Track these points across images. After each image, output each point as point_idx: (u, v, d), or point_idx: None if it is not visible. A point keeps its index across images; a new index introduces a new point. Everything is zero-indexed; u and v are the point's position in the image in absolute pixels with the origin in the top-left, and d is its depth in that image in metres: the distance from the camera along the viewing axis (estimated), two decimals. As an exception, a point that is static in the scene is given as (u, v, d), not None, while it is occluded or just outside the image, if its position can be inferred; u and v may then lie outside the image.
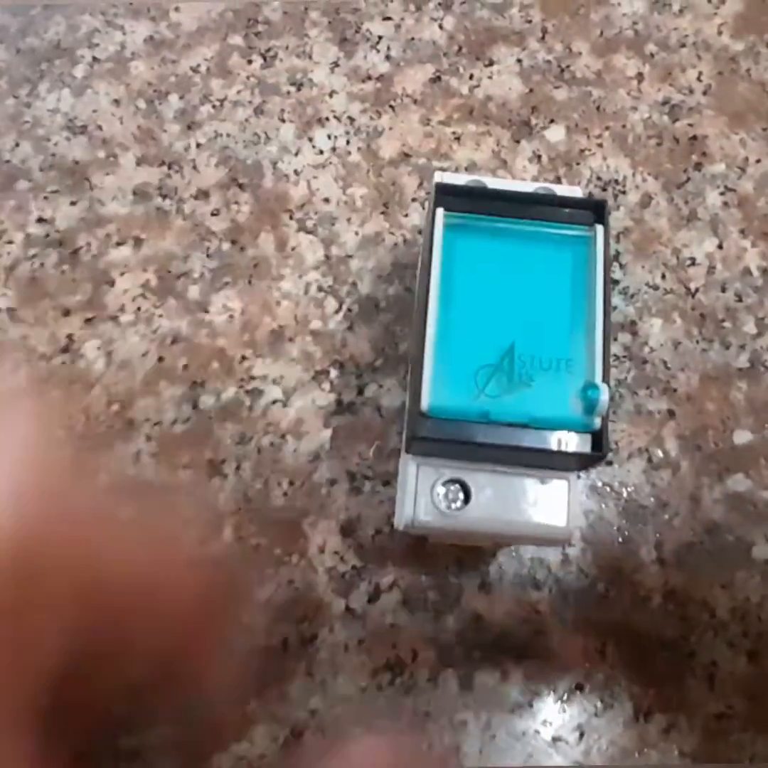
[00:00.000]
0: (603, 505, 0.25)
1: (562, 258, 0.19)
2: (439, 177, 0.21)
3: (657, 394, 0.26)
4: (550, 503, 0.19)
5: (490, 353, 0.18)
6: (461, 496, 0.19)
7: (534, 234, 0.19)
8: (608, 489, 0.25)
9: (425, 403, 0.17)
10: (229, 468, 0.25)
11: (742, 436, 0.26)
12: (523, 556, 0.25)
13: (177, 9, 0.30)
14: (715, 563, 0.25)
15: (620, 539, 0.25)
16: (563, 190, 0.21)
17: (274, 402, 0.26)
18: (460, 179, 0.21)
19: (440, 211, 0.19)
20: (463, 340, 0.18)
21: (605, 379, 0.17)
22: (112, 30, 0.30)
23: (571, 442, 0.18)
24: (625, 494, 0.25)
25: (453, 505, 0.19)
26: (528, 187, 0.21)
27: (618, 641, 0.24)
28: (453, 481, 0.19)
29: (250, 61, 0.30)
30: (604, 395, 0.17)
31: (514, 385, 0.18)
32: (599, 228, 0.19)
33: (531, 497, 0.19)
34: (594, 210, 0.19)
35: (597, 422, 0.17)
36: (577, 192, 0.21)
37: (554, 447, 0.17)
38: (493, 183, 0.21)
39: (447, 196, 0.19)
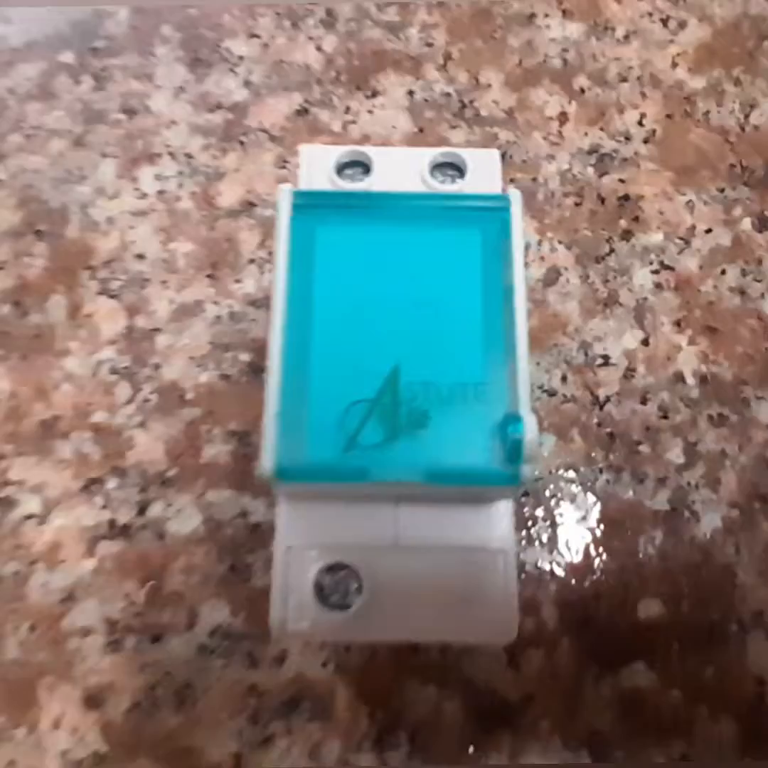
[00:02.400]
0: (442, 695, 0.18)
1: (464, 241, 0.13)
2: (305, 151, 0.16)
3: (538, 547, 0.20)
4: (490, 581, 0.13)
5: (365, 384, 0.12)
6: (354, 586, 0.13)
7: (422, 211, 0.13)
8: (456, 672, 0.19)
9: (268, 463, 0.12)
10: (-50, 605, 0.19)
11: (649, 609, 0.19)
12: (326, 759, 0.18)
13: (8, 20, 0.25)
14: (593, 794, 0.18)
15: (465, 744, 0.18)
16: (475, 155, 0.15)
17: (29, 517, 0.20)
18: (331, 155, 0.15)
19: (286, 186, 0.13)
20: (326, 367, 0.12)
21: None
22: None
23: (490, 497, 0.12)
24: (476, 682, 0.18)
25: (339, 600, 0.13)
26: (425, 155, 0.15)
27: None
28: (340, 566, 0.13)
29: (78, 82, 0.24)
30: (531, 432, 0.12)
31: (401, 427, 0.12)
32: (514, 193, 0.13)
33: (460, 580, 0.13)
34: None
35: (525, 472, 0.12)
36: (494, 157, 0.15)
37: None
38: (379, 154, 0.16)
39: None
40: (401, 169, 0.15)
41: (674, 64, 0.25)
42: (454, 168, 0.15)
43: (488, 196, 0.14)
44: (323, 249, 0.13)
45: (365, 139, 0.24)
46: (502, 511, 0.14)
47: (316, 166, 0.16)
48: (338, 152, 0.16)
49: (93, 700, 0.18)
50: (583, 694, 0.18)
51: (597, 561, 0.19)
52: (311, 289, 0.13)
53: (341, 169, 0.16)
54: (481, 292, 0.13)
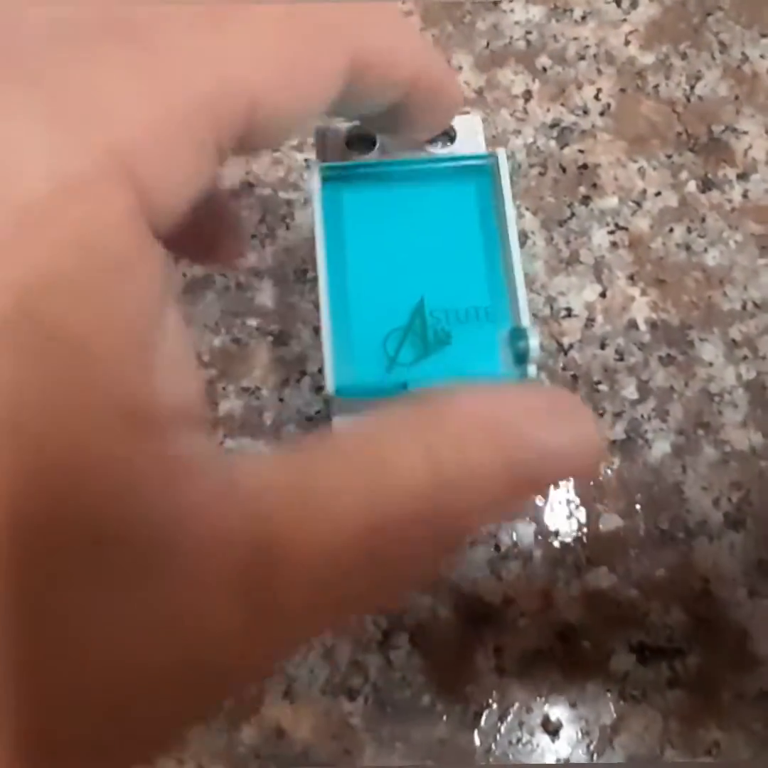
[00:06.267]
0: (437, 600, 0.22)
1: (462, 193, 0.16)
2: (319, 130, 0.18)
3: (512, 470, 0.23)
4: None
5: (398, 315, 0.15)
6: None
7: (428, 172, 0.16)
8: (446, 582, 0.22)
9: (330, 385, 0.15)
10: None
11: (609, 522, 0.22)
12: (339, 660, 0.21)
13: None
14: (564, 675, 0.21)
15: (456, 642, 0.21)
16: (461, 121, 0.18)
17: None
18: (341, 132, 0.18)
19: (315, 162, 0.16)
20: (364, 306, 0.16)
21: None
22: None
23: None
24: (465, 589, 0.22)
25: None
26: None
27: (440, 764, 0.21)
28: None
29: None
30: (534, 340, 0.15)
31: (430, 346, 0.15)
32: (501, 151, 0.16)
33: None
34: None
35: (532, 371, 0.15)
36: (477, 122, 0.18)
37: None
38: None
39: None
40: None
41: (627, 42, 0.27)
42: (444, 134, 0.18)
43: (477, 155, 0.17)
44: (350, 210, 0.16)
45: (349, 121, 0.26)
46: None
47: (330, 143, 0.18)
48: (346, 128, 0.19)
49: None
50: (554, 596, 0.22)
51: (564, 484, 0.23)
52: (344, 245, 0.16)
53: (350, 143, 0.19)
54: (480, 233, 0.16)
